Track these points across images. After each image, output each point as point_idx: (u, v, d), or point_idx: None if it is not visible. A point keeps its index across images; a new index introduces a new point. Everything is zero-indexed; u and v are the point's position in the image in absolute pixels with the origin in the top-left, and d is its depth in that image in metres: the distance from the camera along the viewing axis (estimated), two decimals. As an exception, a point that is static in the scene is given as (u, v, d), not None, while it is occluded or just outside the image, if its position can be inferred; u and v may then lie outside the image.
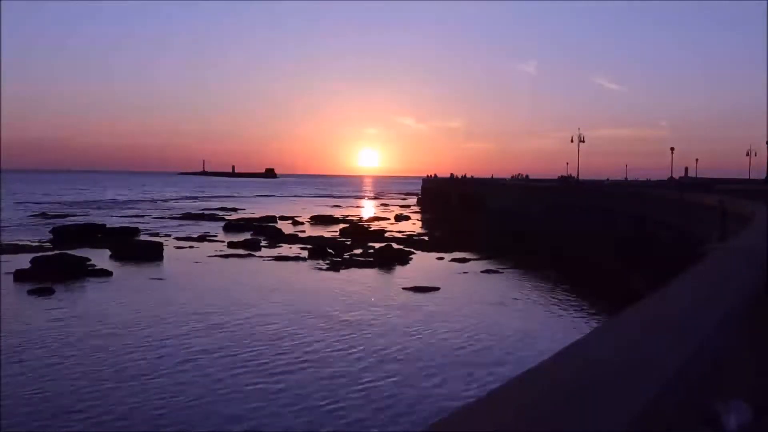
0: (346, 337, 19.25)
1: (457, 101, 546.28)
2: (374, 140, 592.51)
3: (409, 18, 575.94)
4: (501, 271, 33.15)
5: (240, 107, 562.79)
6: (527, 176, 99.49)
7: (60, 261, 30.08)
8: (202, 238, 45.65)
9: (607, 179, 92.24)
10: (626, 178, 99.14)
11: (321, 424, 12.76)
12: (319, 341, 18.70)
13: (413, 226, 63.55)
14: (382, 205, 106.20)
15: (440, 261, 36.72)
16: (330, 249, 38.93)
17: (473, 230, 50.32)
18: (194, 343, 18.31)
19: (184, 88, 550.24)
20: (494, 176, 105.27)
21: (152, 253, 35.64)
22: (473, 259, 36.74)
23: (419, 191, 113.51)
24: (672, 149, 78.42)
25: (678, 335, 2.67)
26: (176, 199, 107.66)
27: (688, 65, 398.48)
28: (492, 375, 15.52)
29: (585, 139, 71.90)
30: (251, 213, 72.30)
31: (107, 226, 49.69)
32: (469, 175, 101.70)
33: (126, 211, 75.28)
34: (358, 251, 38.42)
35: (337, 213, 74.06)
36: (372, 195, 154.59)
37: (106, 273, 29.56)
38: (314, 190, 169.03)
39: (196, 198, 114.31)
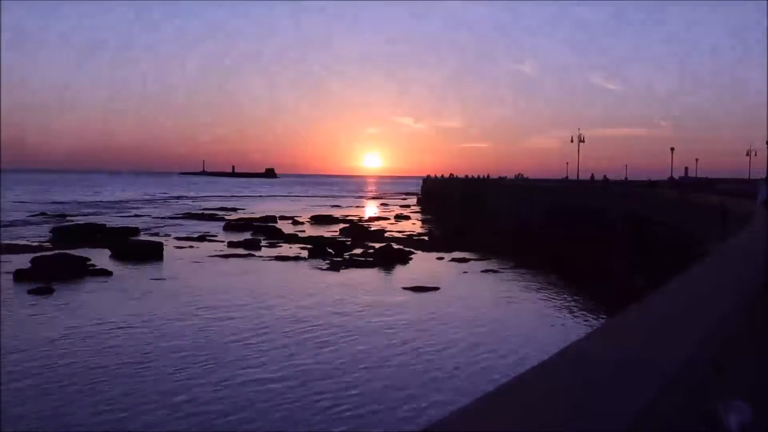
0: (346, 337, 19.24)
1: (455, 101, 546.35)
2: (373, 140, 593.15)
3: (409, 18, 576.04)
4: (501, 271, 33.14)
5: (240, 107, 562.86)
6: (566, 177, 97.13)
7: (60, 261, 30.07)
8: (202, 238, 45.64)
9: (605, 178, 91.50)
10: (626, 178, 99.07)
11: (323, 426, 12.76)
12: (318, 341, 18.69)
13: (413, 226, 63.54)
14: (382, 205, 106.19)
15: (440, 261, 36.71)
16: (330, 249, 38.93)
17: (473, 230, 50.31)
18: (194, 342, 18.31)
19: (184, 89, 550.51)
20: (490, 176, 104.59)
21: (152, 253, 35.62)
22: (473, 259, 36.73)
23: (419, 191, 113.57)
24: (672, 149, 78.44)
25: (678, 335, 2.67)
26: (176, 199, 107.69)
27: (688, 65, 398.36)
28: (492, 375, 15.51)
29: (585, 138, 71.79)
30: (251, 213, 72.33)
31: (107, 226, 49.69)
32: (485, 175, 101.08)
33: (126, 211, 75.26)
34: (358, 251, 38.42)
35: (337, 213, 74.07)
36: (372, 195, 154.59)
37: (106, 273, 29.55)
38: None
39: (195, 198, 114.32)
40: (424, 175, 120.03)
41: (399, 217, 73.17)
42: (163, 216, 68.60)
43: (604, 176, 68.27)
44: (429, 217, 75.60)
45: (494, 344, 18.81)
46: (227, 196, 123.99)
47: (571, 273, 31.72)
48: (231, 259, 35.61)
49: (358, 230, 50.63)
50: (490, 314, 22.97)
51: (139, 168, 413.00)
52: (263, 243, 42.48)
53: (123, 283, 27.83)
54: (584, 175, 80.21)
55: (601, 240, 34.09)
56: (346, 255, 37.05)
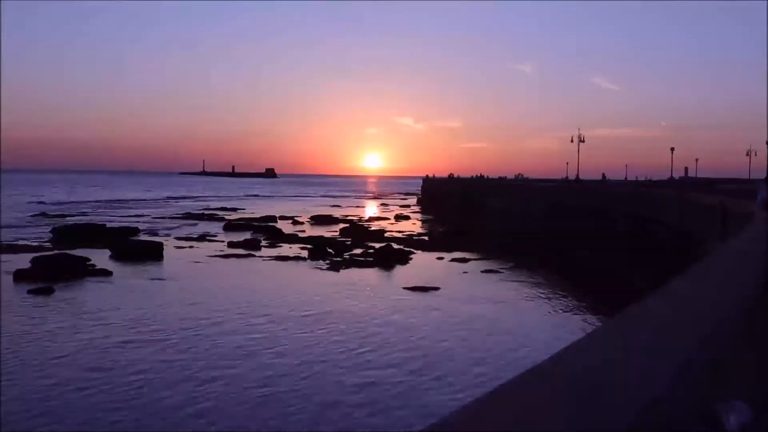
0: (345, 337, 19.24)
1: (455, 101, 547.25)
2: (374, 140, 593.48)
3: (409, 18, 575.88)
4: (501, 271, 33.14)
5: (240, 107, 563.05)
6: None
7: (60, 261, 30.07)
8: (202, 238, 45.66)
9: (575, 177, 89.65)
10: (626, 178, 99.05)
11: (323, 426, 12.77)
12: (318, 342, 18.68)
13: (413, 226, 63.54)
14: (382, 205, 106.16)
15: (440, 261, 36.71)
16: (330, 249, 38.92)
17: (473, 230, 50.30)
18: (195, 341, 18.30)
19: (184, 89, 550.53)
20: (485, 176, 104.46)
21: (152, 253, 35.63)
22: (473, 259, 36.73)
23: (419, 191, 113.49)
24: (672, 149, 78.48)
25: (678, 335, 2.67)
26: (176, 199, 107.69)
27: (688, 65, 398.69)
28: (491, 375, 15.50)
29: (585, 138, 71.93)
30: (251, 213, 72.32)
31: (107, 226, 49.67)
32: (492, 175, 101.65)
33: (126, 211, 75.25)
34: (358, 251, 38.42)
35: (337, 213, 74.05)
36: (372, 195, 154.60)
37: (106, 273, 29.55)
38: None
39: (196, 198, 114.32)
40: (424, 175, 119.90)
41: (399, 217, 73.16)
42: (163, 216, 68.59)
43: (577, 176, 72.23)
44: (429, 217, 75.57)
45: (494, 344, 18.81)
46: (227, 196, 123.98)
47: (571, 273, 31.73)
48: (231, 259, 35.62)
49: (358, 230, 50.61)
50: (490, 314, 22.97)
51: (139, 168, 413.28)
52: (263, 243, 42.48)
53: (123, 283, 27.82)
54: (585, 176, 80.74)
55: (601, 240, 34.09)
56: (346, 255, 37.05)
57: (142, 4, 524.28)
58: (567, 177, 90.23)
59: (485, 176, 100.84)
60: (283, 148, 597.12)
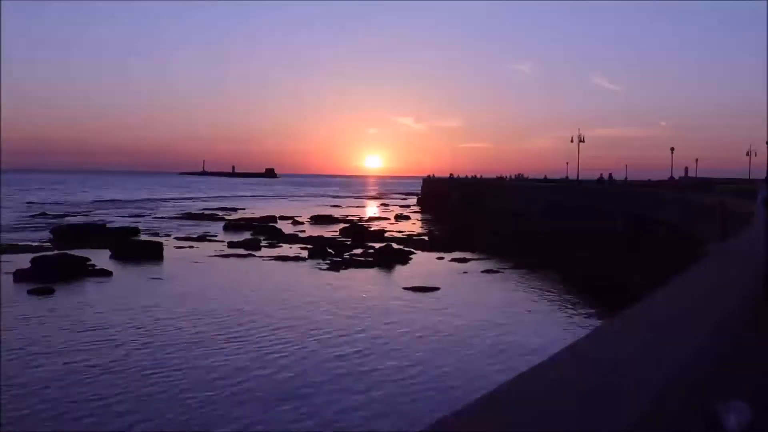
0: (345, 338, 19.24)
1: (455, 101, 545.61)
2: (374, 140, 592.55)
3: (409, 18, 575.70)
4: (501, 271, 33.15)
5: (240, 107, 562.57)
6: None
7: (60, 261, 30.06)
8: (202, 238, 45.65)
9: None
10: (626, 178, 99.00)
11: (324, 426, 12.78)
12: (317, 342, 18.69)
13: (413, 226, 63.55)
14: (383, 205, 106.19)
15: (440, 261, 36.71)
16: (330, 249, 38.92)
17: (473, 230, 50.29)
18: (195, 341, 18.30)
19: (184, 89, 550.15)
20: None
21: (152, 253, 35.62)
22: (473, 259, 36.73)
23: (419, 191, 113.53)
24: (672, 149, 78.38)
25: (679, 336, 2.67)
26: (176, 199, 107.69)
27: (688, 65, 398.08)
28: (491, 375, 15.51)
29: (585, 138, 71.83)
30: (251, 213, 72.35)
31: (107, 226, 49.68)
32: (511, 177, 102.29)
33: (126, 211, 75.24)
34: (358, 251, 38.42)
35: (337, 213, 74.07)
36: (372, 195, 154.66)
37: (106, 273, 29.54)
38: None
39: (196, 198, 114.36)
40: (424, 175, 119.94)
41: (399, 217, 73.17)
42: (163, 216, 68.60)
43: (545, 176, 75.23)
44: (429, 217, 75.60)
45: (493, 344, 18.80)
46: (227, 196, 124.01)
47: (571, 273, 31.70)
48: (231, 259, 35.61)
49: (358, 230, 50.60)
50: (490, 314, 22.95)
51: (139, 168, 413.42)
52: (263, 243, 42.47)
53: (123, 283, 27.82)
54: (585, 175, 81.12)
55: (601, 240, 34.08)
56: (346, 255, 37.05)
57: (143, 4, 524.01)
58: (567, 176, 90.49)
59: (507, 177, 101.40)
60: (283, 148, 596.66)
